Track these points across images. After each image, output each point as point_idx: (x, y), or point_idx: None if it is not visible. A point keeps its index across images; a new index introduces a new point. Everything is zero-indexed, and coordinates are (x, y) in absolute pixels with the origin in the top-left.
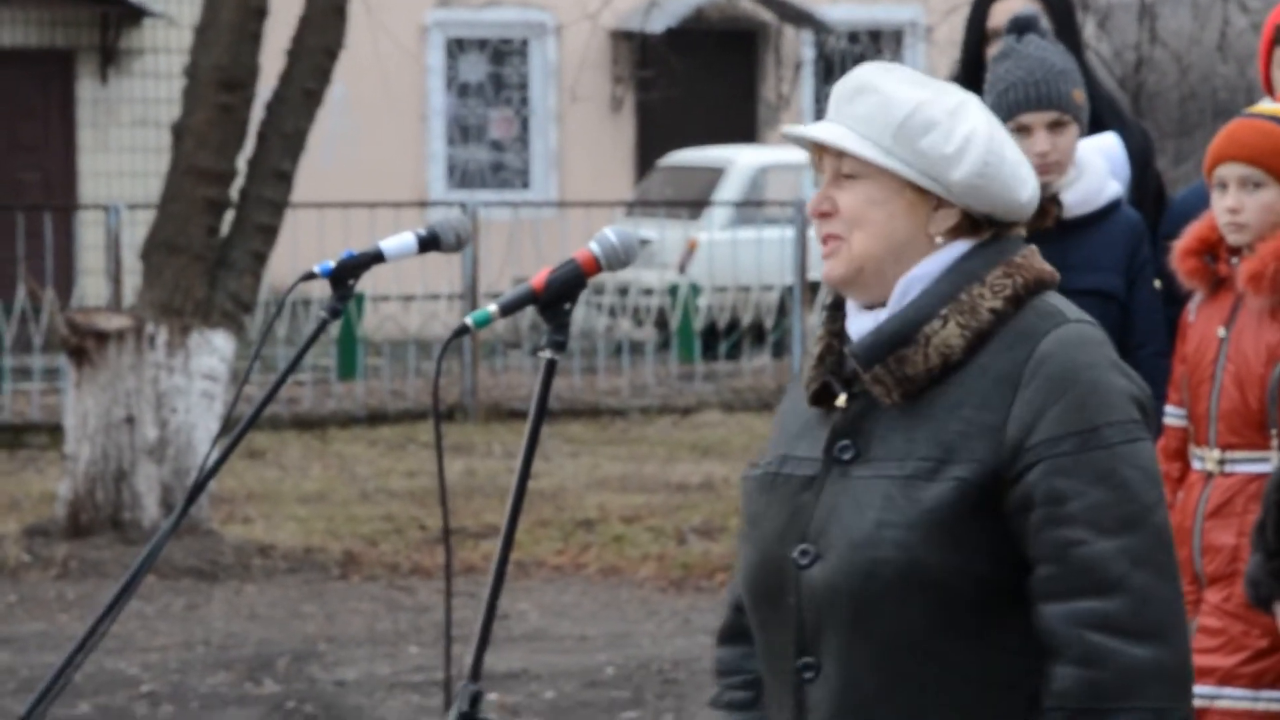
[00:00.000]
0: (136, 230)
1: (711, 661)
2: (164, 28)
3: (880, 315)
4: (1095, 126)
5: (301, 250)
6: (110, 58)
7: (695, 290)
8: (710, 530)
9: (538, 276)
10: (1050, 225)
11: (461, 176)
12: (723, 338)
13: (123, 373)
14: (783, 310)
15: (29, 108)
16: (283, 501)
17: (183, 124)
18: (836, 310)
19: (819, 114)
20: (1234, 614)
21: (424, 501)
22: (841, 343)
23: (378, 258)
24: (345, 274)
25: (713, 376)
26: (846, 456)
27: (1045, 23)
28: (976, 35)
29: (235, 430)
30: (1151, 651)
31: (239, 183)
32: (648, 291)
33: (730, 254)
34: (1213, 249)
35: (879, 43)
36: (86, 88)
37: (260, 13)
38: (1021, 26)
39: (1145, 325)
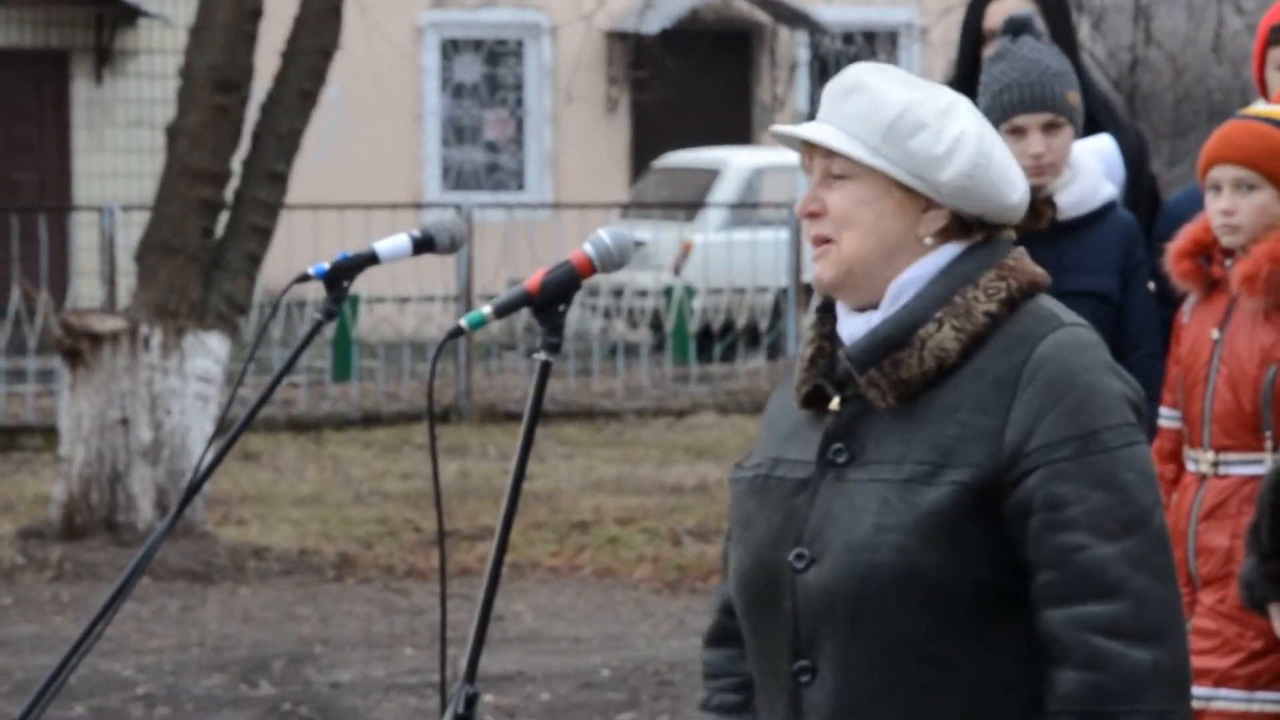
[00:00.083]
0: (131, 231)
1: (699, 664)
2: (159, 28)
3: (873, 318)
4: (1090, 128)
5: (296, 252)
6: (105, 58)
7: (690, 292)
8: (705, 532)
9: (532, 278)
10: (1045, 227)
11: (456, 178)
12: (717, 340)
13: (117, 374)
14: (777, 312)
15: (24, 108)
16: (277, 503)
17: (177, 125)
18: (827, 313)
19: (814, 115)
20: (1229, 616)
21: (419, 503)
22: (833, 345)
23: (372, 259)
24: (340, 276)
25: (707, 378)
26: (841, 460)
27: (1040, 24)
28: (972, 36)
29: (230, 432)
30: (1152, 654)
31: (234, 184)
32: (642, 293)
33: (725, 256)
34: (1207, 251)
35: (874, 44)
36: (81, 88)
37: (255, 14)
38: (1016, 28)
39: (1140, 327)
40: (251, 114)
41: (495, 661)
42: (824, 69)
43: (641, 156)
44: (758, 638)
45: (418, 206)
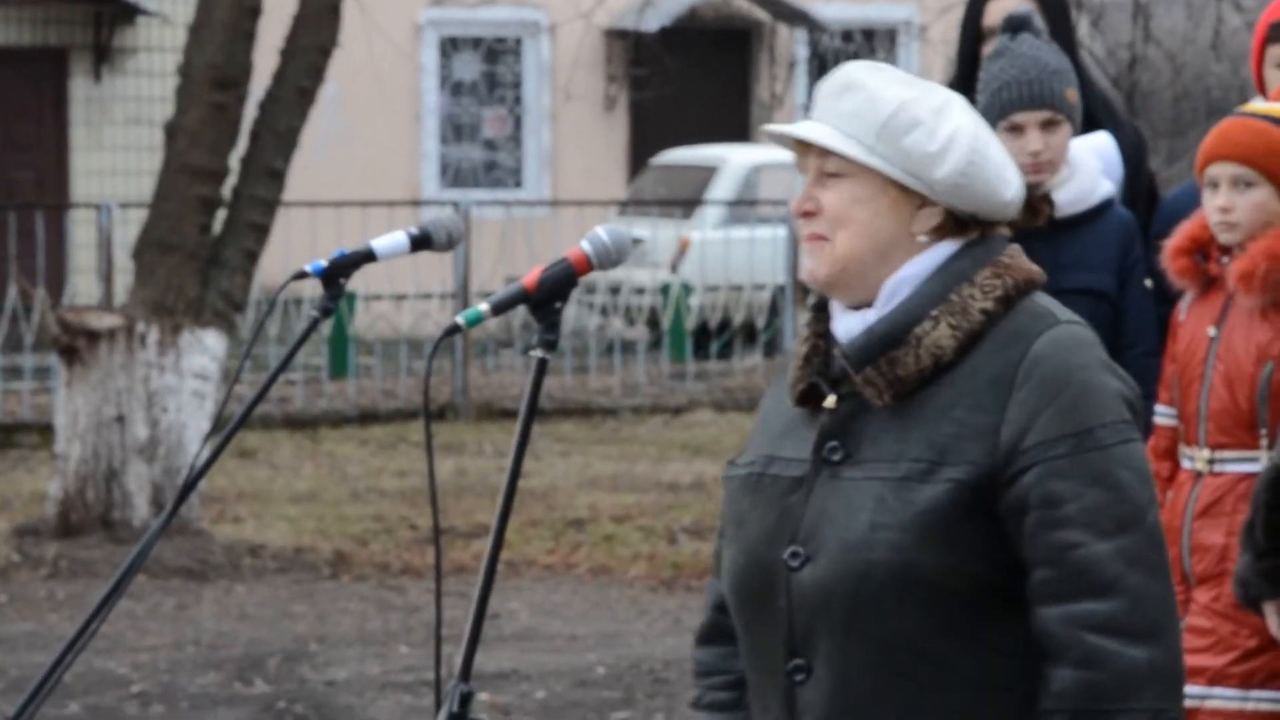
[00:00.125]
0: (129, 229)
1: (691, 659)
2: (158, 26)
3: (869, 316)
4: (1088, 125)
5: (294, 249)
6: (104, 56)
7: (687, 289)
8: (701, 530)
9: (530, 275)
10: (1042, 224)
11: (455, 175)
12: (714, 337)
13: (114, 372)
14: (774, 310)
15: (22, 106)
16: (273, 501)
17: (176, 122)
18: (821, 311)
19: None
20: (1223, 614)
21: (415, 501)
22: (827, 343)
23: (369, 256)
24: (337, 273)
25: (704, 376)
26: (836, 458)
27: (1039, 21)
28: (971, 34)
29: (226, 429)
30: (1147, 652)
31: (232, 181)
32: (640, 291)
33: (722, 253)
34: (1204, 248)
35: (873, 41)
36: (80, 86)
37: (254, 11)
38: (1015, 25)
39: (1137, 324)
40: (250, 112)
41: (490, 659)
42: (823, 67)
43: (640, 154)
44: (752, 636)
45: (415, 204)
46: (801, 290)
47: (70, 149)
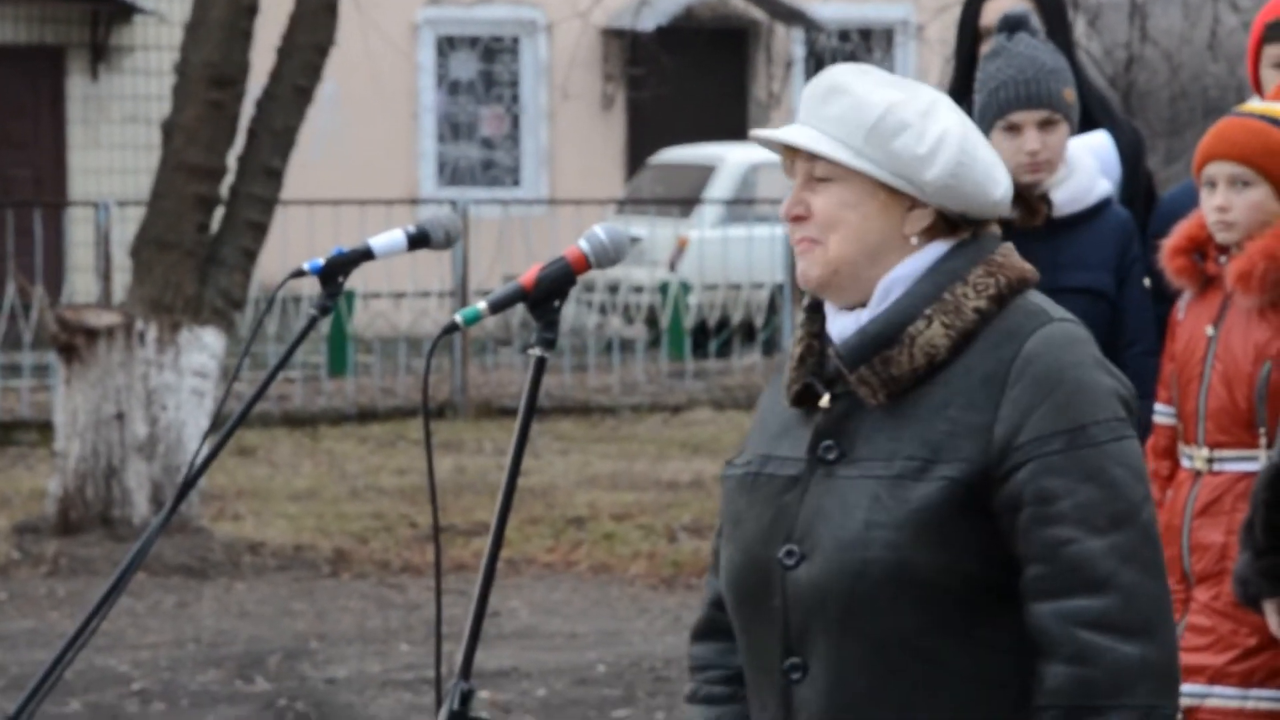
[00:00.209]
0: (127, 227)
1: (687, 659)
2: (155, 24)
3: (862, 316)
4: (1086, 125)
5: (292, 247)
6: (101, 54)
7: (685, 288)
8: (701, 528)
9: (528, 274)
10: (1040, 224)
11: (452, 174)
12: (713, 335)
13: (113, 369)
14: (773, 308)
15: (19, 104)
16: (273, 499)
17: (173, 121)
18: (815, 311)
19: None
20: (1223, 612)
21: (414, 499)
22: (822, 343)
23: (367, 255)
24: (335, 271)
25: (703, 374)
26: (831, 457)
27: (1036, 21)
28: (968, 33)
29: (225, 427)
30: (1140, 649)
31: (229, 180)
32: (638, 289)
33: (720, 252)
34: (1201, 247)
35: (870, 41)
36: (77, 84)
37: (251, 10)
38: (1012, 25)
39: (1135, 323)
40: (247, 110)
41: (491, 657)
42: (819, 66)
43: (637, 153)
44: (749, 635)
45: (413, 202)
46: (799, 289)
47: (68, 147)
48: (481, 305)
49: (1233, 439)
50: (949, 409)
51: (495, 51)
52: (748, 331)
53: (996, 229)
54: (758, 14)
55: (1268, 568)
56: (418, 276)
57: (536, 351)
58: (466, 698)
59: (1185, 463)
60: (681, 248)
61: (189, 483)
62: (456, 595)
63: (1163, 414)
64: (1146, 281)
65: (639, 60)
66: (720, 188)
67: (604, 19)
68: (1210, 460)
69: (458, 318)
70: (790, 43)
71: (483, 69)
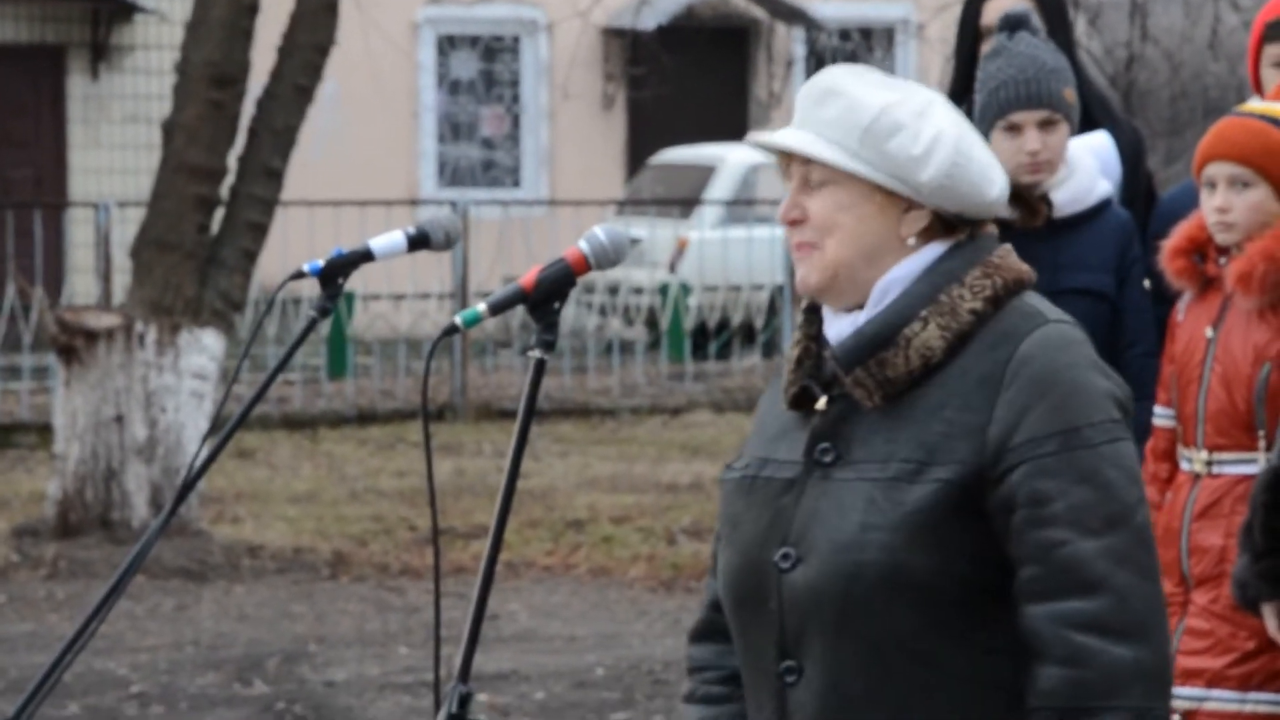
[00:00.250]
0: (127, 228)
1: (685, 660)
2: (155, 24)
3: (859, 318)
4: (1086, 125)
5: (292, 248)
6: (101, 54)
7: (685, 289)
8: (700, 531)
9: (527, 275)
10: (1040, 224)
11: (452, 174)
12: (713, 337)
13: (112, 371)
14: (773, 310)
15: (19, 104)
16: (272, 501)
17: (173, 120)
18: (813, 314)
19: None
20: (1222, 615)
21: (413, 501)
22: (819, 346)
23: (367, 256)
24: (335, 272)
25: (703, 376)
26: (827, 459)
27: (1037, 20)
28: (969, 33)
29: (225, 429)
30: (1133, 651)
31: (229, 180)
32: (638, 291)
33: (720, 253)
34: (1201, 248)
35: (870, 40)
36: (77, 84)
37: (251, 9)
38: (1013, 24)
39: (1135, 325)
40: (247, 110)
41: (490, 660)
42: (820, 65)
43: (637, 153)
44: (745, 638)
45: (413, 203)
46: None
47: (68, 147)
48: (481, 307)
49: (1232, 441)
50: (945, 411)
51: (496, 51)
52: (748, 333)
53: (994, 230)
54: (758, 13)
55: (1266, 570)
56: (417, 278)
57: (536, 353)
58: (465, 701)
59: (1184, 465)
60: (681, 249)
61: (188, 485)
62: (455, 598)
63: (1162, 416)
64: (1147, 282)
65: (639, 60)
66: (720, 188)
67: (604, 18)
68: (1209, 463)
69: (457, 319)
70: (791, 42)
71: (483, 68)
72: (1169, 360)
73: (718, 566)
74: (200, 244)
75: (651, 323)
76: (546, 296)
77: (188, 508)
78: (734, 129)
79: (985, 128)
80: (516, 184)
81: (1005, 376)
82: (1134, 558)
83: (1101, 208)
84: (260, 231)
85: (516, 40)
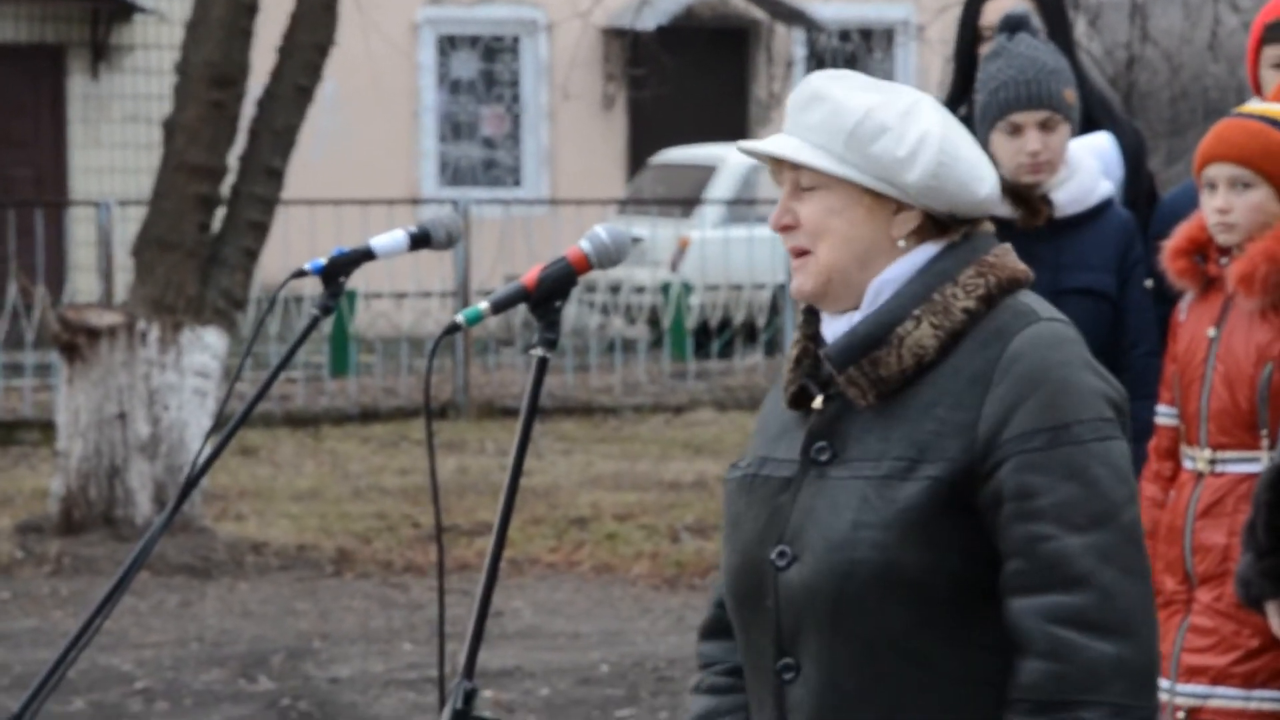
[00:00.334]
0: (128, 226)
1: (694, 656)
2: (155, 24)
3: (854, 318)
4: (1087, 126)
5: (293, 247)
6: (101, 53)
7: (687, 288)
8: (703, 528)
9: (529, 274)
10: (1042, 224)
11: (453, 174)
12: (715, 336)
13: (115, 369)
14: (775, 309)
15: (20, 103)
16: (276, 498)
17: (174, 120)
18: (812, 314)
19: None
20: (1225, 613)
21: (417, 499)
22: (818, 345)
23: (368, 255)
24: (336, 271)
25: (705, 375)
26: (823, 458)
27: (1037, 21)
28: (969, 34)
29: (228, 427)
30: (1115, 647)
31: (230, 179)
32: (640, 289)
33: (722, 252)
34: (1202, 249)
35: (870, 41)
36: (78, 83)
37: (251, 9)
38: (1013, 25)
39: (1137, 324)
40: (248, 109)
41: (494, 657)
42: (820, 66)
43: (638, 153)
44: (746, 635)
45: (414, 202)
46: None
47: (68, 146)
48: (483, 305)
49: (1234, 440)
50: (937, 409)
51: (496, 51)
52: (750, 332)
53: (991, 228)
54: (758, 14)
55: (1270, 568)
56: (419, 277)
57: (538, 352)
58: (469, 697)
59: (1187, 464)
60: (683, 248)
61: (191, 482)
62: (459, 595)
63: (1165, 415)
64: (1148, 282)
65: (640, 60)
66: (721, 188)
67: (605, 19)
68: (1212, 461)
69: (459, 318)
70: (791, 43)
71: (483, 69)
72: (1171, 360)
73: (721, 565)
74: (201, 243)
75: (653, 321)
76: (548, 295)
77: (191, 505)
78: (734, 129)
79: (986, 128)
80: (517, 183)
81: (995, 373)
82: (1120, 555)
83: (1103, 208)
84: (261, 230)
85: (516, 40)
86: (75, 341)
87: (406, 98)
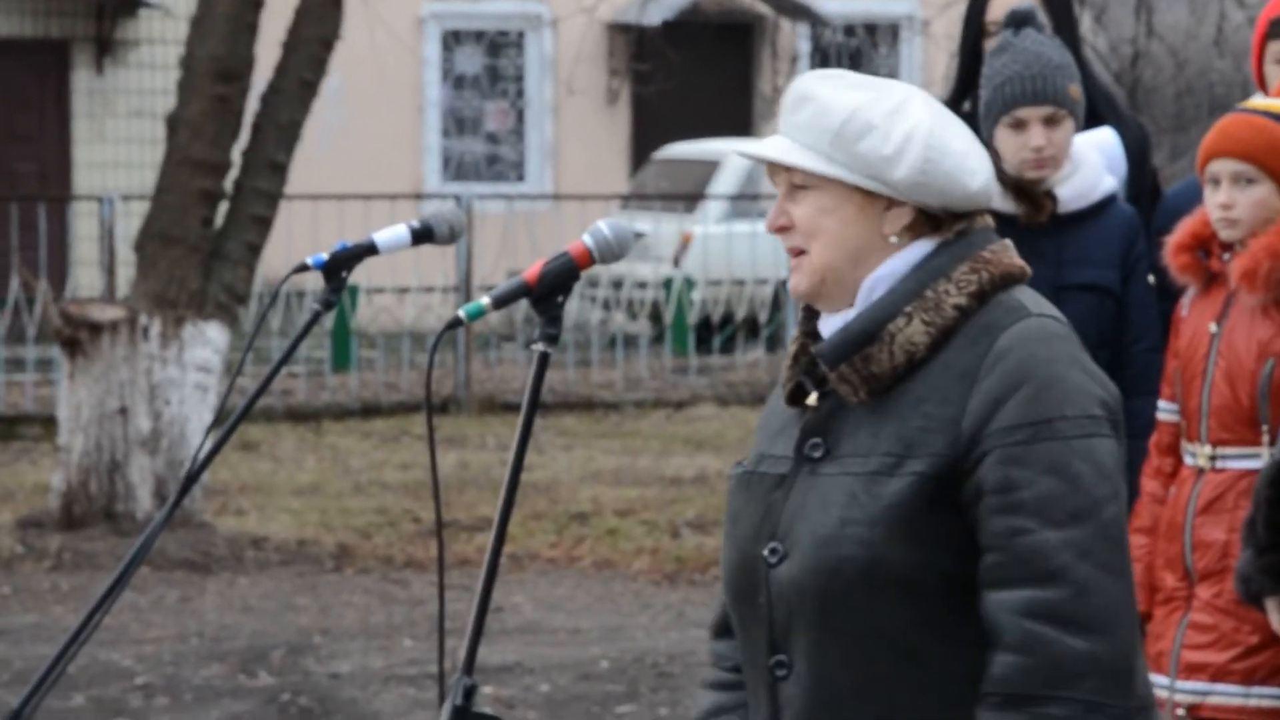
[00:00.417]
0: (131, 221)
1: (706, 654)
2: (160, 18)
3: (849, 315)
4: (1092, 121)
5: (296, 242)
6: (106, 48)
7: (689, 283)
8: (704, 524)
9: (531, 269)
10: (1046, 220)
11: (457, 168)
12: (717, 331)
13: (116, 364)
14: (777, 304)
15: (24, 98)
16: (276, 493)
17: (178, 115)
18: (812, 311)
19: None
20: (1225, 610)
21: (417, 494)
22: (815, 343)
23: (370, 250)
24: (338, 266)
25: (707, 370)
26: (816, 455)
27: (1042, 17)
28: (974, 29)
29: (229, 422)
30: (1088, 643)
31: (234, 174)
32: (642, 285)
33: (725, 247)
34: (1205, 244)
35: (875, 36)
36: (82, 78)
37: (256, 4)
38: (1018, 20)
39: (1140, 320)
40: (252, 104)
41: (494, 653)
42: (825, 62)
43: (642, 148)
44: (743, 632)
45: (418, 197)
46: None
47: (72, 141)
48: (485, 300)
49: (1235, 436)
50: (925, 405)
51: (500, 46)
52: (752, 327)
53: (989, 223)
54: (763, 9)
55: (1270, 565)
56: (421, 271)
57: (540, 347)
58: (470, 693)
59: (1188, 460)
60: (686, 243)
61: (192, 477)
62: (460, 590)
63: (1166, 410)
64: (1151, 278)
65: (644, 55)
66: (725, 183)
67: (609, 14)
68: (1213, 457)
69: (461, 313)
70: (796, 38)
71: (488, 63)
72: (1173, 355)
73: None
74: (204, 237)
75: (655, 317)
76: (550, 290)
77: (192, 500)
78: (738, 124)
79: (990, 123)
80: (521, 178)
81: (982, 369)
82: (1098, 552)
83: (1106, 203)
84: (264, 225)
85: (521, 35)
86: (77, 336)
87: (411, 92)
